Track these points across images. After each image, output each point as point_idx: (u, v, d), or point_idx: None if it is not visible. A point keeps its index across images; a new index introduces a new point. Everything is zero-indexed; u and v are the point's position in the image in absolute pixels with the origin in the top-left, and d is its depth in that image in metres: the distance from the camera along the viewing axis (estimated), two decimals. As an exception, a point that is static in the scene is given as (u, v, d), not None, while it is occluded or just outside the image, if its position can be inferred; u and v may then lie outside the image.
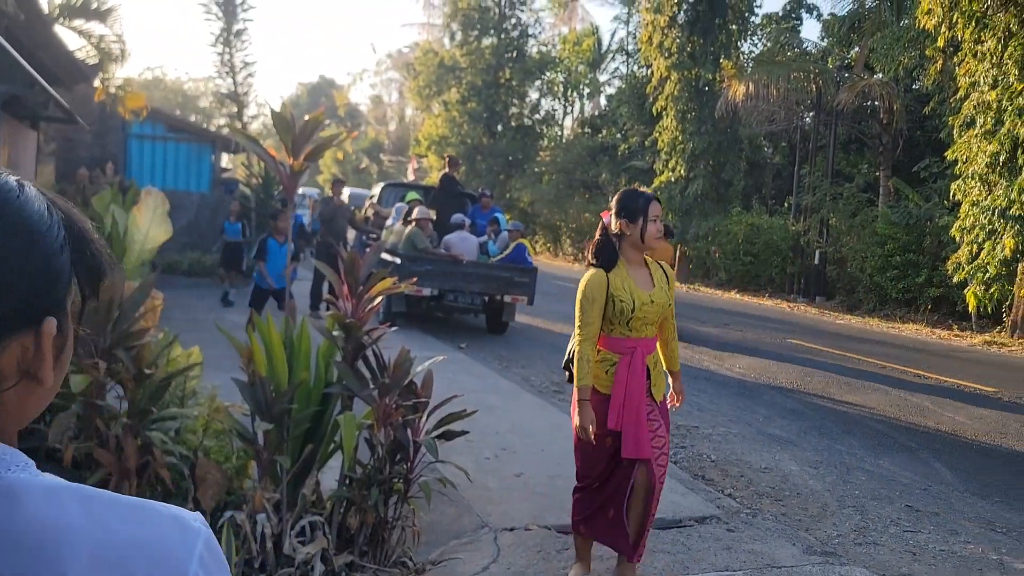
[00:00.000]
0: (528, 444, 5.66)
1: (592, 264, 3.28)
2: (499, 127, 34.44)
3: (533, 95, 36.31)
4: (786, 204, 23.60)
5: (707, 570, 3.72)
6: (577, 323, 3.21)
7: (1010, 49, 12.62)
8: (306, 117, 3.85)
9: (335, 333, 3.46)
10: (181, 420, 3.58)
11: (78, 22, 11.33)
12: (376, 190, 13.98)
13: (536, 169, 33.78)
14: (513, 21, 34.08)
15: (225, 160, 20.69)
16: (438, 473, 3.97)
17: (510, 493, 4.61)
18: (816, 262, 20.05)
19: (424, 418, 3.57)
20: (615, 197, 3.35)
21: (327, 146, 3.84)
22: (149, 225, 4.10)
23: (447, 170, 12.58)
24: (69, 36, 11.05)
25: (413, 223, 10.38)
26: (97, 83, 12.10)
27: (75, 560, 0.60)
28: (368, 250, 4.02)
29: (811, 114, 22.80)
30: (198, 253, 15.17)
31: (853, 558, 4.06)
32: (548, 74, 35.98)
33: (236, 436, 3.40)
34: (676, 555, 3.86)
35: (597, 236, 3.32)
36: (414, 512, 3.50)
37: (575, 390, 3.21)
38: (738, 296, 20.29)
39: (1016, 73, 12.43)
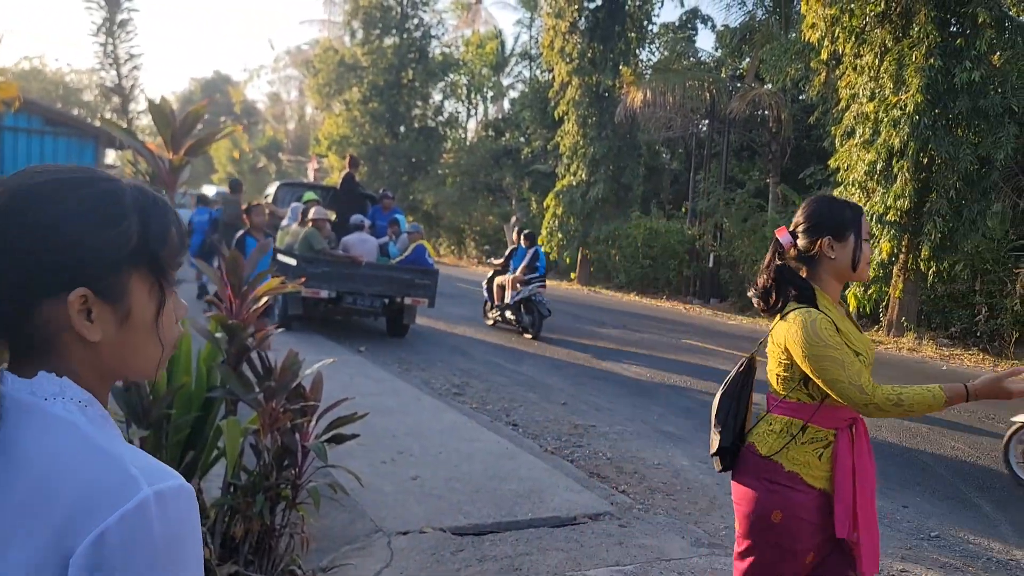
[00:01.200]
0: (425, 446, 5.61)
1: (792, 305, 2.26)
2: (402, 128, 34.13)
3: (436, 97, 36.17)
4: (683, 209, 24.34)
5: (599, 566, 3.77)
6: (840, 382, 2.09)
7: (886, 63, 13.42)
8: (189, 110, 3.69)
9: (218, 335, 3.32)
10: (49, 429, 3.37)
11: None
12: (271, 189, 13.60)
13: (440, 171, 33.65)
14: (416, 21, 33.84)
15: (112, 157, 19.70)
16: (330, 478, 3.88)
17: (406, 496, 4.56)
18: (711, 265, 20.76)
19: (313, 422, 3.47)
20: (804, 208, 2.38)
21: (209, 140, 3.68)
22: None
23: (348, 170, 12.38)
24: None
25: (310, 223, 10.15)
26: (-37, 71, 11.29)
27: (27, 477, 0.76)
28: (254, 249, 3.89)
29: (706, 122, 23.60)
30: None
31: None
32: (451, 76, 35.91)
33: (110, 445, 3.22)
34: (569, 552, 3.90)
35: (770, 262, 2.33)
36: (303, 519, 3.40)
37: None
38: (637, 298, 20.79)
39: (891, 86, 13.22)
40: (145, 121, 24.55)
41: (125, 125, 16.39)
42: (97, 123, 16.95)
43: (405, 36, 33.49)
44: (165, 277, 0.88)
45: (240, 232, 8.33)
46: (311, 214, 10.27)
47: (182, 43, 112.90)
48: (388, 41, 33.62)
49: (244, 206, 8.08)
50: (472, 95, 38.04)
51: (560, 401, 7.68)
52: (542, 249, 12.24)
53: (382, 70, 32.96)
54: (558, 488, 4.90)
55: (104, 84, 17.42)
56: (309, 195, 11.15)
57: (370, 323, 11.96)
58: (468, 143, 36.62)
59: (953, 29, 13.22)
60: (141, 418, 3.06)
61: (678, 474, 5.55)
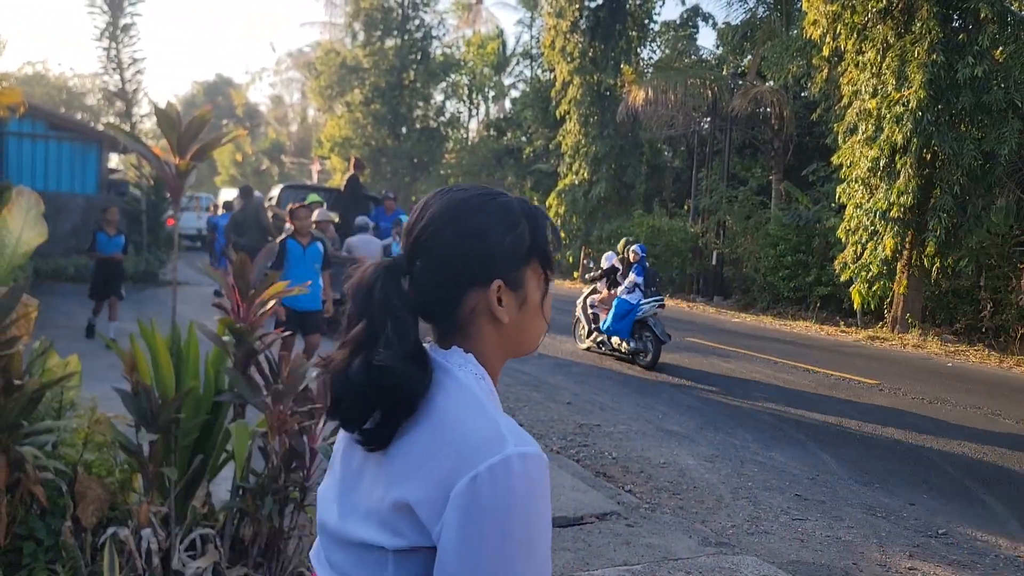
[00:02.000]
0: (432, 447, 5.62)
1: None
2: (404, 129, 34.15)
3: (438, 97, 36.19)
4: (685, 207, 24.33)
5: (607, 566, 3.78)
6: None
7: (888, 59, 13.40)
8: (195, 114, 3.71)
9: (225, 339, 3.34)
10: (58, 433, 3.38)
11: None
12: (275, 192, 13.63)
13: (442, 171, 33.67)
14: (417, 22, 33.85)
15: (115, 161, 19.75)
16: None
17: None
18: (714, 263, 20.75)
19: (321, 424, 3.48)
20: None
21: (215, 144, 3.70)
22: (22, 228, 3.84)
23: (352, 172, 12.40)
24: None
25: (313, 225, 10.16)
26: (-33, 77, 11.35)
27: (432, 422, 0.96)
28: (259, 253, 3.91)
29: (708, 119, 23.59)
30: (84, 258, 14.41)
31: (746, 547, 4.21)
32: (453, 76, 35.93)
33: (119, 448, 3.23)
34: (577, 552, 3.91)
35: None
36: (311, 521, 3.41)
37: None
38: (641, 296, 20.77)
39: (894, 82, 13.20)
40: (148, 125, 24.60)
41: (129, 129, 16.43)
42: (100, 127, 16.95)
43: (406, 37, 33.51)
44: (550, 267, 1.07)
45: (283, 235, 7.51)
46: (314, 216, 10.29)
47: (183, 46, 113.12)
48: (389, 42, 33.65)
49: (288, 207, 7.28)
50: (473, 95, 38.05)
51: (565, 400, 7.69)
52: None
53: (384, 71, 32.99)
54: (564, 488, 4.91)
55: (107, 88, 17.45)
56: (312, 197, 11.17)
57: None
58: (470, 143, 36.64)
59: (955, 24, 13.21)
60: (150, 422, 3.08)
61: (684, 473, 5.56)
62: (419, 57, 33.62)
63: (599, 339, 10.42)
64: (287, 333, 5.57)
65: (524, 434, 0.95)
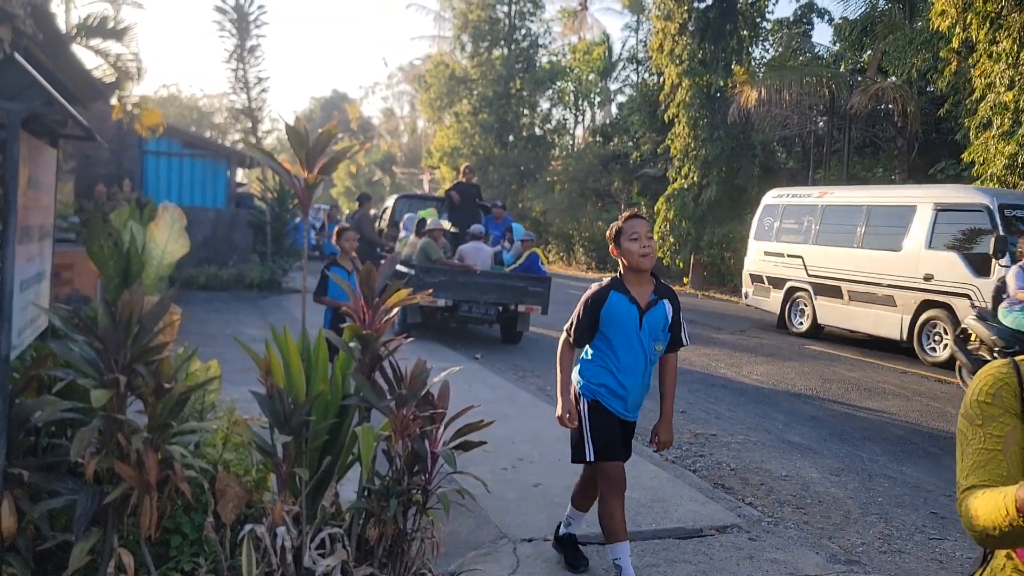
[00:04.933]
0: (545, 454, 5.64)
1: None
2: (510, 137, 34.49)
3: (544, 105, 36.34)
4: (801, 209, 23.44)
5: (729, 579, 3.68)
6: None
7: (1025, 50, 12.52)
8: (319, 131, 3.87)
9: (352, 345, 3.46)
10: (200, 434, 3.59)
11: (95, 41, 11.46)
12: (390, 202, 14.04)
13: (548, 178, 33.79)
14: (523, 32, 34.17)
15: (240, 175, 20.85)
16: (456, 484, 3.96)
17: (528, 504, 4.59)
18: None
19: (441, 429, 3.56)
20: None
21: (341, 159, 3.85)
22: (167, 240, 4.12)
23: (464, 179, 12.62)
24: (87, 55, 11.18)
25: (426, 234, 10.42)
26: (114, 101, 12.24)
27: None
28: (383, 262, 4.04)
29: (824, 118, 22.69)
30: (214, 268, 15.30)
31: (878, 566, 4.01)
32: (558, 83, 36.02)
33: (255, 449, 3.40)
34: (698, 565, 3.83)
35: None
36: (432, 523, 3.49)
37: None
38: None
39: (1032, 73, 12.32)
40: (269, 140, 25.86)
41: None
42: (230, 144, 17.99)
43: (513, 47, 33.86)
44: None
45: (327, 261, 6.77)
46: (428, 224, 10.55)
47: (301, 64, 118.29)
48: (496, 53, 34.10)
49: (337, 228, 6.58)
50: (579, 101, 38.02)
51: (679, 409, 7.55)
52: None
53: (491, 81, 33.44)
54: (681, 498, 4.82)
55: (235, 107, 18.46)
56: (426, 212, 11.46)
57: (484, 330, 12.13)
58: (576, 149, 36.61)
59: (1104, 8, 12.20)
60: (283, 424, 3.23)
61: (807, 487, 5.35)
62: (525, 66, 33.91)
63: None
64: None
65: None
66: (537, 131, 35.36)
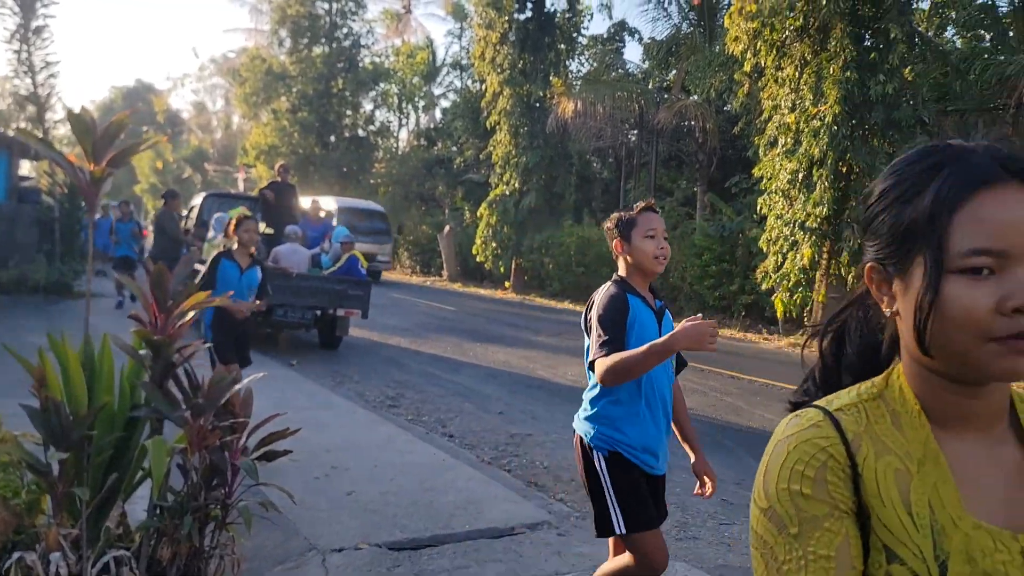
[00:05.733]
0: (360, 460, 5.53)
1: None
2: (332, 138, 33.71)
3: (367, 106, 35.87)
4: (614, 217, 24.64)
5: None
6: None
7: (805, 76, 13.90)
8: (110, 120, 3.56)
9: (142, 352, 3.21)
10: (-42, 454, 3.18)
11: None
12: (197, 200, 13.25)
13: (372, 181, 33.36)
14: (345, 31, 33.52)
15: (27, 168, 18.89)
16: (262, 496, 3.78)
17: (340, 512, 4.48)
18: (642, 272, 21.07)
19: (244, 439, 3.38)
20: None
21: (133, 150, 3.56)
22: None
23: (279, 178, 12.14)
24: None
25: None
26: None
27: None
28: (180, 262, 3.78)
29: (635, 132, 24.02)
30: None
31: (675, 553, 4.26)
32: (382, 85, 35.68)
33: (26, 468, 3.07)
34: (508, 563, 3.89)
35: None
36: (233, 539, 3.30)
37: None
38: (571, 306, 20.96)
39: (811, 98, 13.70)
40: (63, 131, 23.64)
41: (41, 135, 15.74)
42: (11, 133, 16.26)
43: (334, 45, 33.13)
44: None
45: (216, 252, 6.16)
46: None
47: (102, 51, 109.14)
48: (317, 50, 33.22)
49: (235, 217, 6.18)
50: (403, 104, 37.86)
51: (497, 410, 7.67)
52: None
53: (311, 79, 32.53)
54: (496, 499, 4.89)
55: (18, 92, 16.69)
56: (236, 210, 10.91)
57: (302, 336, 11.75)
58: (400, 153, 36.42)
59: (867, 43, 13.78)
60: (60, 440, 2.93)
61: (614, 480, 5.60)
62: (347, 65, 33.28)
63: None
64: (207, 344, 4.64)
65: None
66: (360, 132, 34.82)
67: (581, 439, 2.77)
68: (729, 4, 15.55)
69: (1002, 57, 14.27)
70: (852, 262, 13.84)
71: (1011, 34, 15.34)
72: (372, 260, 22.84)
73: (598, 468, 2.71)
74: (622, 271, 2.79)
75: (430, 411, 7.52)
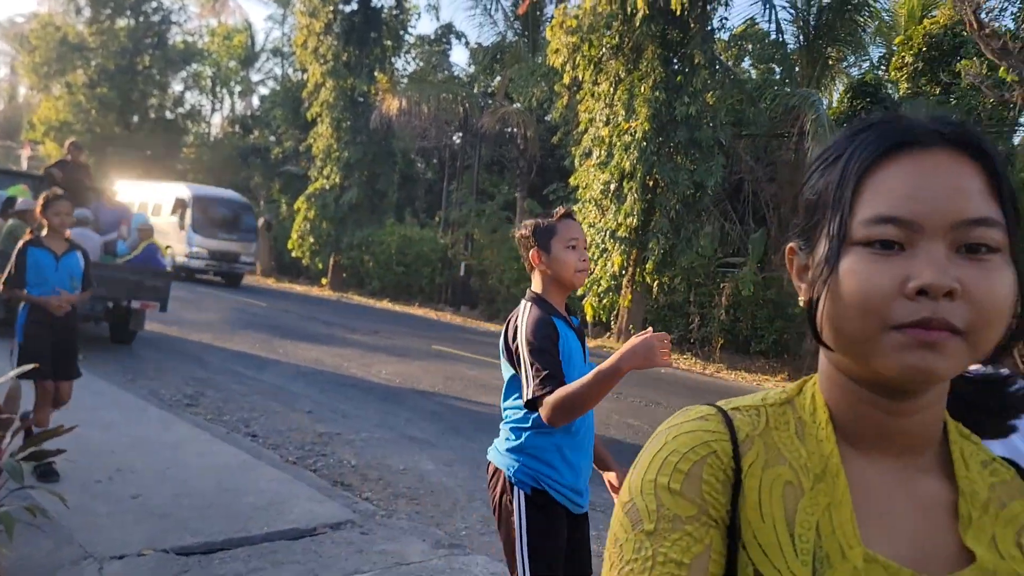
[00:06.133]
0: (151, 462, 5.15)
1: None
2: (135, 118, 31.33)
3: (177, 87, 33.68)
4: (436, 218, 24.75)
5: (337, 575, 3.68)
6: None
7: (619, 92, 14.65)
8: None
9: None
10: None
11: None
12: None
13: (180, 167, 31.32)
14: (154, 4, 31.27)
15: None
16: (30, 501, 3.42)
17: (123, 517, 4.14)
18: (462, 274, 21.30)
19: (8, 438, 3.04)
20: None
21: None
22: None
23: (69, 157, 11.07)
24: None
25: (15, 215, 8.95)
26: None
27: None
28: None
29: (459, 134, 24.23)
30: None
31: (477, 548, 4.32)
32: (195, 66, 33.62)
33: None
34: (306, 564, 3.77)
35: None
36: (-7, 546, 2.96)
37: None
38: (390, 305, 20.78)
39: (623, 114, 14.45)
40: None
41: None
42: None
43: (141, 19, 30.80)
44: None
45: (28, 239, 5.09)
46: (18, 204, 9.07)
47: None
48: (121, 23, 30.73)
49: (43, 197, 5.08)
50: (217, 88, 35.88)
51: (305, 409, 7.44)
52: None
53: (113, 53, 30.06)
54: (299, 499, 4.73)
55: None
56: (16, 189, 9.85)
57: (92, 329, 10.79)
58: (213, 139, 34.47)
59: (675, 67, 14.75)
60: None
61: (423, 478, 5.59)
62: (156, 42, 31.06)
63: None
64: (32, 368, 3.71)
65: None
66: (168, 115, 32.61)
67: (502, 474, 2.37)
68: (552, 16, 16.07)
69: (788, 89, 15.80)
70: (656, 270, 14.75)
71: (797, 69, 17.01)
72: (234, 261, 21.01)
73: (516, 508, 2.32)
74: (537, 286, 2.45)
75: (232, 410, 7.16)
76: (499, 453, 2.41)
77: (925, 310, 0.65)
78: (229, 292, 19.13)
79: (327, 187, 23.02)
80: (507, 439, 2.40)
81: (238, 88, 35.98)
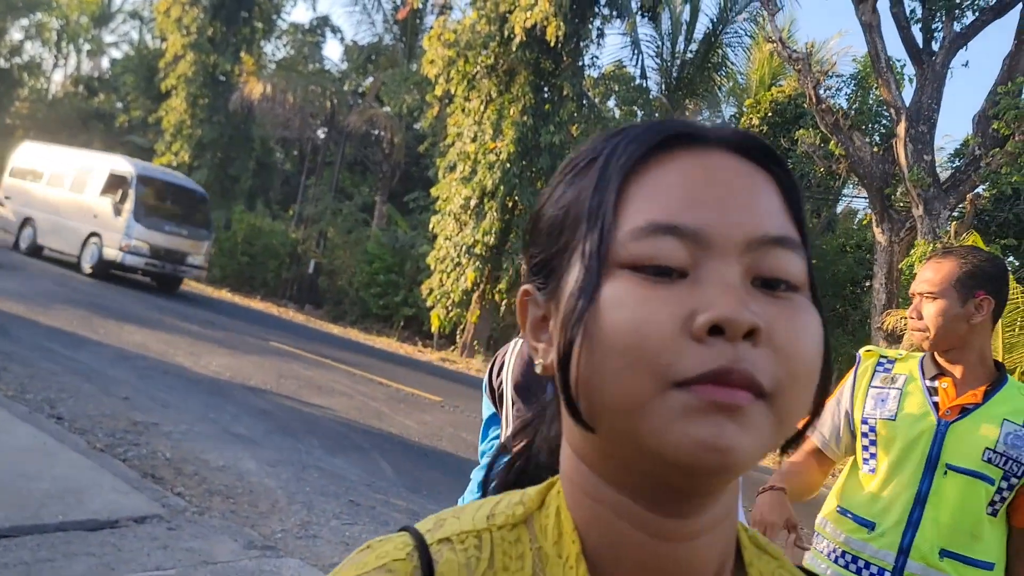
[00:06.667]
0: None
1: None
2: (-38, 61, 28.43)
3: (16, 35, 30.85)
4: (290, 211, 24.01)
5: (136, 570, 3.47)
6: None
7: (489, 112, 14.87)
8: None
9: None
10: None
11: None
12: None
13: (9, 121, 28.64)
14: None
15: None
16: None
17: None
18: (310, 271, 20.75)
19: None
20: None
21: None
22: None
23: None
24: None
25: None
26: None
27: None
28: None
29: (324, 129, 23.70)
30: None
31: (292, 551, 4.20)
32: (38, 15, 30.96)
33: None
34: (102, 557, 3.52)
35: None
36: None
37: None
38: (229, 295, 19.86)
39: (491, 133, 14.68)
40: None
41: None
42: None
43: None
44: None
45: None
46: None
47: None
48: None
49: None
50: (63, 43, 33.19)
51: (122, 395, 6.96)
52: None
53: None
54: (102, 488, 4.41)
55: None
56: None
57: None
58: (51, 96, 31.82)
59: (545, 95, 15.17)
60: None
61: (242, 477, 5.38)
62: (-4, -19, 28.42)
63: None
64: None
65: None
66: (2, 62, 29.77)
67: None
68: (431, 27, 16.12)
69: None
70: (508, 290, 15.01)
71: (657, 115, 17.94)
72: (180, 263, 16.34)
73: None
74: None
75: (38, 388, 6.59)
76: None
77: (722, 357, 0.45)
78: (53, 265, 17.61)
79: (174, 164, 21.78)
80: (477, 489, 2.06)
81: (87, 47, 33.44)
